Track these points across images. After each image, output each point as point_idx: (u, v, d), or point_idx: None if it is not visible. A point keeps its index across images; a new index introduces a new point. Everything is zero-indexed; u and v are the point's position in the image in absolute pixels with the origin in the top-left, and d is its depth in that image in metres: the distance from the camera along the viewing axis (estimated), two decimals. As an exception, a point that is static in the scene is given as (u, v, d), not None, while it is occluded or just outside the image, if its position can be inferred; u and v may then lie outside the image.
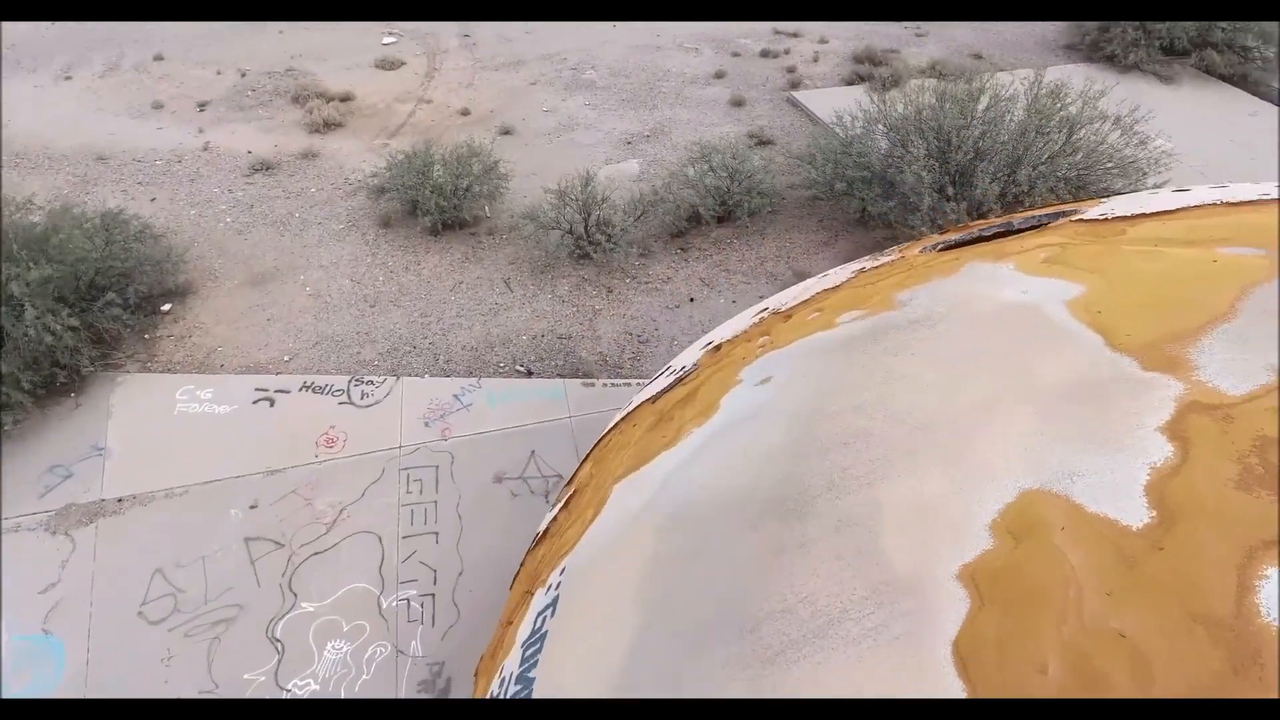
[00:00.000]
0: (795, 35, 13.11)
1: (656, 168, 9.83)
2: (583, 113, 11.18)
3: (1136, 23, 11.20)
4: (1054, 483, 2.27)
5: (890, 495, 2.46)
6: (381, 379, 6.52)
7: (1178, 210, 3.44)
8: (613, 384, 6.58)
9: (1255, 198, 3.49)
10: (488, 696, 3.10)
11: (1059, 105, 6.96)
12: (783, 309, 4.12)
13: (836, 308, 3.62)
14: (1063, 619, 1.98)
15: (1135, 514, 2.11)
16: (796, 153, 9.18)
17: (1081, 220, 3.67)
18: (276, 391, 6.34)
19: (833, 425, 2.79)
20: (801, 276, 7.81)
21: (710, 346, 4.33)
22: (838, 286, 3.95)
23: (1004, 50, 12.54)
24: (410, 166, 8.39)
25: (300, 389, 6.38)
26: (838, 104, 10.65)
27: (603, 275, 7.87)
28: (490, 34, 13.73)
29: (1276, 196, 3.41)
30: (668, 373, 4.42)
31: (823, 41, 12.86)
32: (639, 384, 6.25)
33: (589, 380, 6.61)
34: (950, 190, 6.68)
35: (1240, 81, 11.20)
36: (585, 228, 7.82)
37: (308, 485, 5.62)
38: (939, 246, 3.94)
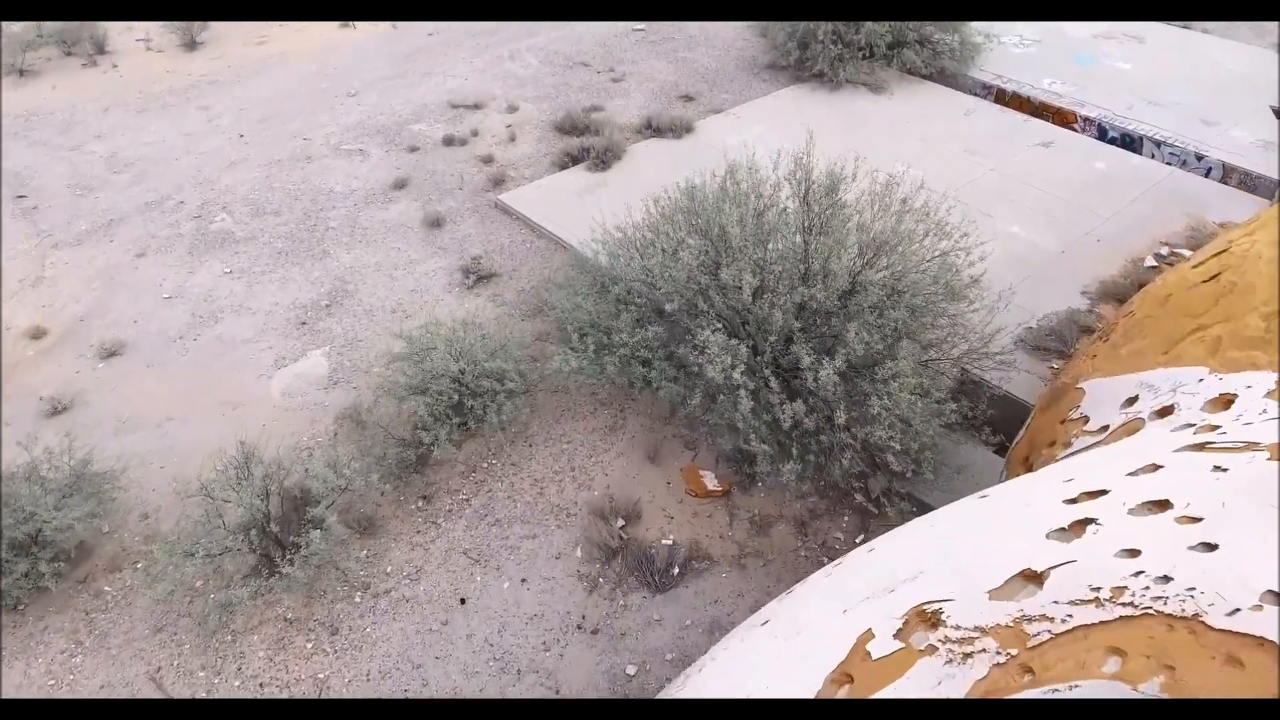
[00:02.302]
0: (477, 107, 10.90)
1: (353, 354, 7.17)
2: (224, 287, 8.10)
3: (836, 35, 10.55)
4: None
5: None
6: None
7: None
8: None
9: None
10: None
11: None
12: None
13: None
14: None
15: None
16: (534, 303, 7.08)
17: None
18: None
19: None
20: (609, 499, 5.78)
21: None
22: None
23: (710, 83, 11.42)
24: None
25: None
26: (557, 200, 8.70)
27: (315, 602, 5.21)
28: (59, 183, 9.82)
29: None
30: None
31: (512, 110, 10.82)
32: None
33: None
34: (774, 385, 4.93)
35: (941, 78, 11.05)
36: (265, 529, 5.09)
37: None
38: None
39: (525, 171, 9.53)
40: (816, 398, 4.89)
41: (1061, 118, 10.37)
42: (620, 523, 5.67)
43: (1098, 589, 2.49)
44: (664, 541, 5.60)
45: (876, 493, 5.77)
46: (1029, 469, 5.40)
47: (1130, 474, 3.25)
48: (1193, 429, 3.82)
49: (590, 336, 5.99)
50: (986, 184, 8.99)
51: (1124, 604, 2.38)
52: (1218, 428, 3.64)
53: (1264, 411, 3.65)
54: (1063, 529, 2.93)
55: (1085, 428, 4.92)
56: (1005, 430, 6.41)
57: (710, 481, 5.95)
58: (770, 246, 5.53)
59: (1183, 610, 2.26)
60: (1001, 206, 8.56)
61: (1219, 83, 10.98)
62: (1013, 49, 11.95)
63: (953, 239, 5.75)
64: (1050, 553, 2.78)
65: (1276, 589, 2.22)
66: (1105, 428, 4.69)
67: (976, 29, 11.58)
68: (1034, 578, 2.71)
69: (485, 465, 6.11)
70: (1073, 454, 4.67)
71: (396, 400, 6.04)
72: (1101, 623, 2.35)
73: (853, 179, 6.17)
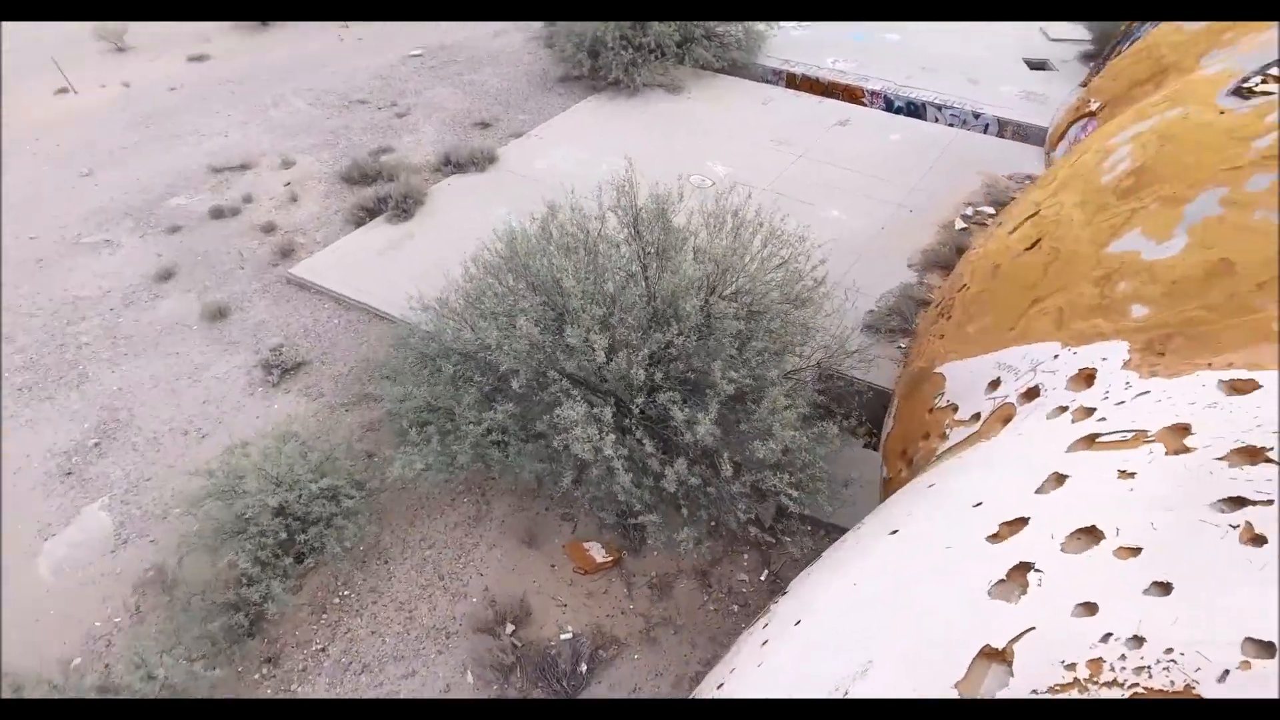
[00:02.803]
0: (245, 167, 9.61)
1: (142, 500, 5.94)
2: (-51, 447, 6.47)
3: (625, 40, 10.30)
4: None
5: None
6: None
7: None
8: None
9: None
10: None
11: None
12: None
13: None
14: None
15: None
16: (357, 389, 6.21)
17: None
18: None
19: None
20: (490, 604, 5.10)
21: None
22: None
23: (504, 105, 10.82)
24: None
25: None
26: (359, 263, 7.77)
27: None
28: None
29: None
30: None
31: (288, 165, 9.65)
32: None
33: None
34: (650, 447, 4.48)
35: (733, 70, 11.15)
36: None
37: None
38: None
39: (316, 236, 8.46)
40: (697, 448, 4.50)
41: (851, 94, 10.78)
42: (510, 629, 5.02)
43: (1072, 665, 2.24)
44: (563, 636, 5.02)
45: (769, 522, 5.52)
46: (909, 463, 5.38)
47: (1039, 491, 3.11)
48: (1067, 413, 3.82)
49: (431, 424, 5.25)
50: (799, 172, 9.10)
51: (1107, 683, 2.13)
52: (1093, 411, 3.64)
53: (1128, 385, 3.70)
54: (1002, 580, 2.70)
55: (956, 417, 4.92)
56: (874, 419, 6.43)
57: (598, 553, 5.43)
58: (609, 287, 5.06)
59: (1171, 684, 2.03)
60: (818, 193, 8.68)
61: (981, 42, 11.90)
62: (793, 32, 12.32)
63: (791, 245, 5.57)
64: (1003, 619, 2.53)
65: (1250, 635, 2.05)
66: (977, 415, 4.70)
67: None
68: (997, 655, 2.44)
69: (337, 600, 5.21)
70: (952, 448, 4.63)
71: (209, 551, 5.00)
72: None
73: (679, 198, 5.85)
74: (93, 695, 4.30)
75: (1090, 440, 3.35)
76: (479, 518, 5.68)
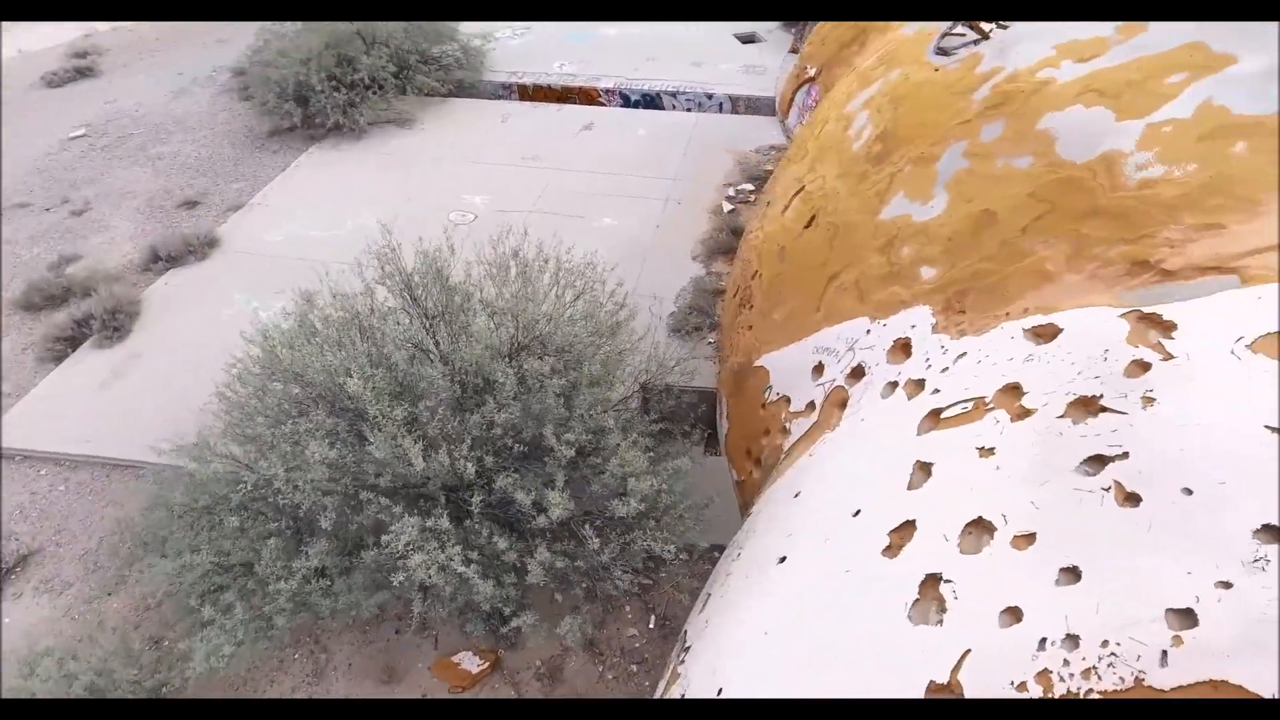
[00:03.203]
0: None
1: None
2: None
3: (334, 80, 9.38)
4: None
5: None
6: None
7: None
8: None
9: None
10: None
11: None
12: None
13: None
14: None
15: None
16: (117, 564, 5.04)
17: None
18: None
19: None
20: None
21: None
22: None
23: (212, 176, 9.44)
24: None
25: None
26: (73, 408, 6.33)
27: None
28: None
29: None
30: None
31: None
32: None
33: None
34: (504, 543, 3.95)
35: (462, 91, 10.64)
36: None
37: None
38: None
39: (4, 389, 6.77)
40: (555, 524, 4.09)
41: (587, 96, 10.72)
42: (395, 791, 4.30)
43: (1023, 685, 2.17)
44: (459, 773, 4.40)
45: (640, 565, 5.26)
46: (757, 462, 5.38)
47: (911, 488, 3.10)
48: (898, 389, 3.93)
49: (228, 589, 4.34)
50: (560, 185, 8.86)
51: (1062, 696, 2.08)
52: (922, 383, 3.75)
53: (944, 349, 3.86)
54: (917, 599, 2.63)
55: (791, 409, 4.97)
56: (707, 422, 6.41)
57: (471, 664, 4.86)
58: (401, 374, 4.46)
59: (1121, 681, 2.02)
60: (585, 203, 8.50)
61: (693, 25, 12.36)
62: (511, 42, 12.02)
63: (584, 274, 5.30)
64: (935, 646, 2.44)
65: (1169, 604, 2.09)
66: (812, 404, 4.76)
67: (470, 31, 11.33)
68: (944, 690, 2.35)
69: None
70: (799, 442, 4.65)
71: None
72: (1063, 741, 2.02)
73: (451, 250, 5.34)
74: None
75: (935, 417, 3.43)
76: (319, 671, 4.83)
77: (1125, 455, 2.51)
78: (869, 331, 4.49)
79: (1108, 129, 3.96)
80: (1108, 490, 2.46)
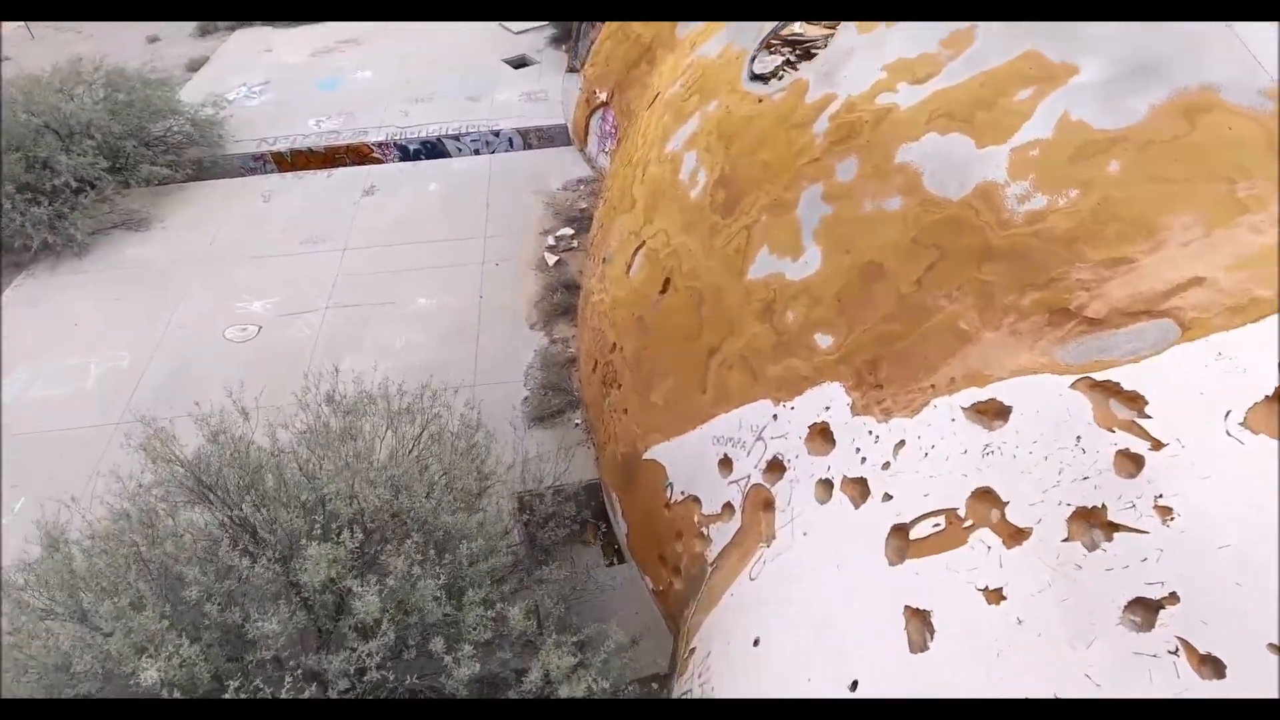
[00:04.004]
0: None
1: None
2: None
3: (31, 193, 7.48)
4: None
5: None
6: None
7: None
8: None
9: None
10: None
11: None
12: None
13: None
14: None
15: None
16: None
17: None
18: None
19: None
20: None
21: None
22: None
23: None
24: None
25: None
26: None
27: None
28: None
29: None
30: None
31: None
32: None
33: None
34: None
35: (204, 171, 8.98)
36: None
37: None
38: None
39: None
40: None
41: (358, 154, 9.45)
42: None
43: None
44: None
45: None
46: (675, 571, 4.73)
47: (916, 651, 2.59)
48: (835, 491, 3.44)
49: None
50: (355, 269, 7.65)
51: None
52: (863, 484, 3.28)
53: (874, 437, 3.42)
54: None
55: (705, 512, 4.35)
56: (596, 514, 5.69)
57: None
58: (218, 622, 3.33)
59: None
60: (391, 286, 7.38)
61: (457, 54, 11.35)
62: (249, 102, 10.37)
63: (451, 442, 4.37)
64: None
65: None
66: (729, 506, 4.18)
67: (195, 99, 9.57)
68: None
69: None
70: (725, 553, 4.06)
71: None
72: None
73: (243, 415, 4.22)
74: None
75: (903, 537, 2.95)
76: None
77: (1175, 598, 2.13)
78: (775, 417, 3.97)
79: (971, 157, 3.68)
80: (1175, 654, 2.06)
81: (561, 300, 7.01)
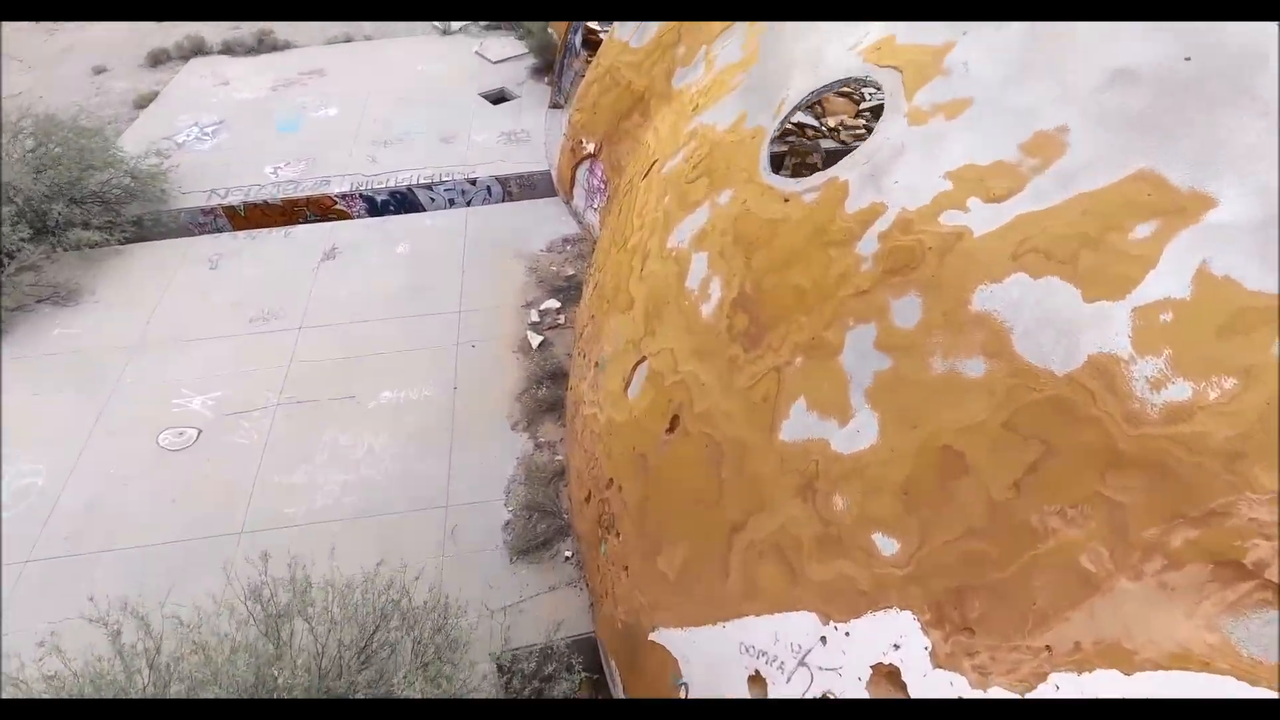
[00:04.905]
0: None
1: None
2: None
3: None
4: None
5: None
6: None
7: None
8: None
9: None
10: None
11: None
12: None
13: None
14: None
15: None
16: None
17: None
18: None
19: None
20: None
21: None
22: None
23: None
24: None
25: None
26: None
27: None
28: None
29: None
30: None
31: None
32: None
33: None
34: None
35: (146, 230, 8.00)
36: None
37: None
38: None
39: None
40: None
41: (320, 207, 8.49)
42: None
43: None
44: None
45: None
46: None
47: None
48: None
49: None
50: (310, 354, 6.70)
51: None
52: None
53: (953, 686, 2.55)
54: None
55: None
56: (591, 666, 4.82)
57: None
58: None
59: None
60: (350, 377, 6.46)
61: (430, 86, 10.38)
62: (200, 146, 9.38)
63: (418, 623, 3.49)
64: None
65: None
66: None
67: (136, 148, 8.55)
68: None
69: None
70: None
71: None
72: None
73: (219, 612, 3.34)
74: None
75: None
76: None
77: None
78: (824, 640, 3.08)
79: (1079, 315, 2.82)
80: None
81: (547, 395, 6.10)
